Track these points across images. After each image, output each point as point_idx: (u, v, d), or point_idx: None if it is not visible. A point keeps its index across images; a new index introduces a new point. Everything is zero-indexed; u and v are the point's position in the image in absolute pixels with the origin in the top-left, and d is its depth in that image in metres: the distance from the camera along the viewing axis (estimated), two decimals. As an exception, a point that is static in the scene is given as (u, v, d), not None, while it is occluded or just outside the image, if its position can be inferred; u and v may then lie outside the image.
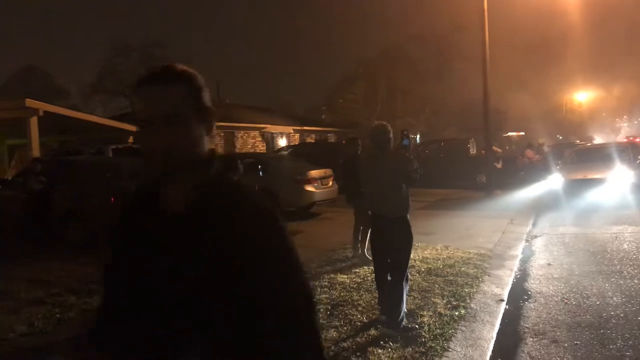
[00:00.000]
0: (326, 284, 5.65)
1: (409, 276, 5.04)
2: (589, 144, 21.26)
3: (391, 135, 4.45)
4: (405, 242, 4.38)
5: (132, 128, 17.02)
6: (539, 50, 32.79)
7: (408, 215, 4.42)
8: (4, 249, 7.94)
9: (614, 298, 5.21)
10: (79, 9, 70.74)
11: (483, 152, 16.69)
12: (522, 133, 34.58)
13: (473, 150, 19.31)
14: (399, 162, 4.35)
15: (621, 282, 5.76)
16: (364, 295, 5.14)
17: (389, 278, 4.43)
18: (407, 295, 4.57)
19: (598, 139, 32.24)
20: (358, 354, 3.79)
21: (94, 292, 5.55)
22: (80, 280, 6.09)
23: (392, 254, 4.41)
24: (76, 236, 8.14)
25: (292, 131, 25.70)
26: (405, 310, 4.40)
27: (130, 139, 17.03)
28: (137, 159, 12.92)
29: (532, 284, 5.92)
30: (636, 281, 5.75)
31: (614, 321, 4.57)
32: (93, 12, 74.43)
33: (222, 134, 21.15)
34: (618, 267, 6.42)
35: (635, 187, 11.98)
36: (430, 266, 6.27)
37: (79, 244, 7.99)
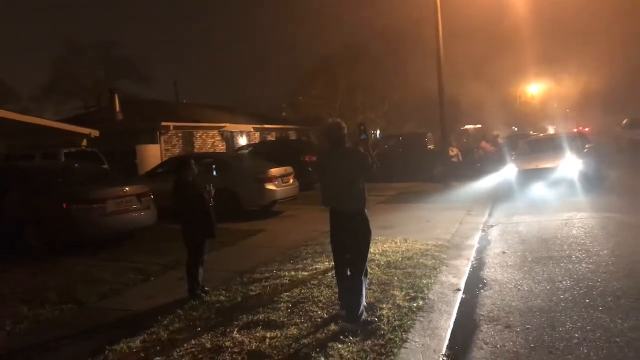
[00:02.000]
0: (287, 282, 5.65)
1: (369, 270, 5.11)
2: (541, 134, 21.97)
3: (346, 132, 4.49)
4: (363, 237, 4.44)
5: (85, 130, 16.52)
6: (493, 42, 33.78)
7: (366, 210, 4.49)
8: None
9: (563, 282, 5.44)
10: (26, 5, 67.64)
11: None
12: (479, 125, 35.40)
13: (431, 144, 19.70)
14: (355, 158, 4.40)
15: (570, 266, 6.01)
16: (324, 291, 5.18)
17: (348, 273, 4.48)
18: (366, 289, 4.63)
19: (550, 130, 33.45)
20: (318, 349, 3.81)
21: (47, 302, 5.37)
22: (33, 289, 5.88)
23: (351, 248, 4.46)
24: (28, 244, 7.83)
25: (252, 129, 25.50)
26: (365, 303, 4.46)
27: (84, 142, 16.53)
28: (90, 163, 12.57)
29: (487, 272, 6.10)
30: (584, 265, 6.02)
31: (563, 304, 4.77)
32: (42, 9, 71.38)
33: (181, 134, 20.77)
34: (567, 252, 6.70)
35: (583, 174, 12.52)
36: (389, 259, 6.36)
37: (32, 252, 7.70)
